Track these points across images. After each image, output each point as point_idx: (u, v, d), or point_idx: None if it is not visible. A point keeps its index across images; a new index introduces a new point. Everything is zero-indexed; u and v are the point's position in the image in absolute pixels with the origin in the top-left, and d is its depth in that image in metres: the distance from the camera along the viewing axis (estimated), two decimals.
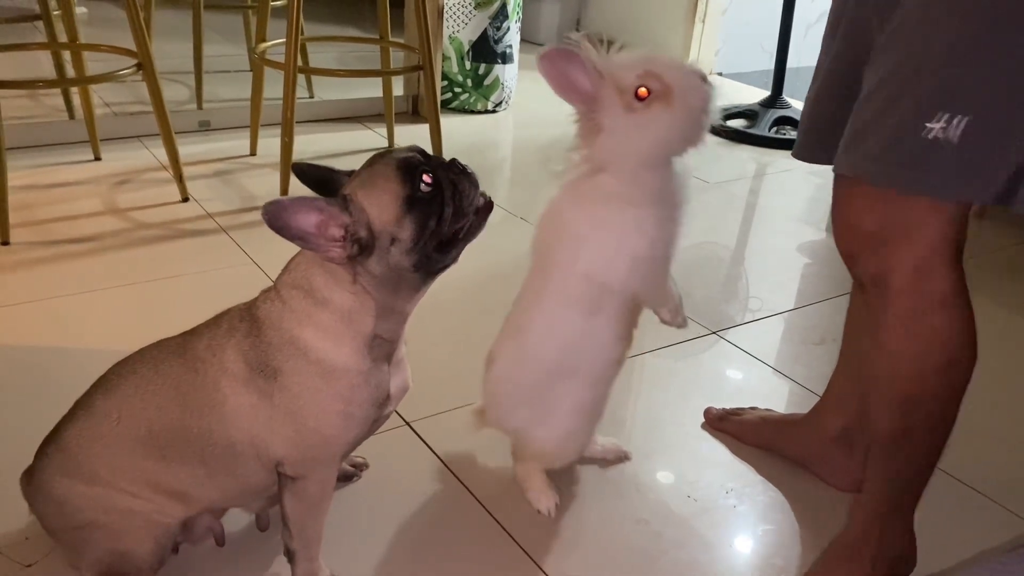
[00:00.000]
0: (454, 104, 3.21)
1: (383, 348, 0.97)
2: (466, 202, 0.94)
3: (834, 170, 1.01)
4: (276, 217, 0.86)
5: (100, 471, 0.95)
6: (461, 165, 0.95)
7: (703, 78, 1.08)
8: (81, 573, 0.99)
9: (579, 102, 1.06)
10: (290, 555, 1.02)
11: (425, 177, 0.90)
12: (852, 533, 1.11)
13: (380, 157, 0.94)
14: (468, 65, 3.14)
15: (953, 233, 0.94)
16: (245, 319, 0.95)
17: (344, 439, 0.97)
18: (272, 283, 0.97)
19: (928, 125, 0.86)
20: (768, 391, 1.59)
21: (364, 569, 1.11)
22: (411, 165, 0.90)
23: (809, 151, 1.13)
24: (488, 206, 0.97)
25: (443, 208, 0.92)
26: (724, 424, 1.44)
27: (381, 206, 0.89)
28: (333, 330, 0.92)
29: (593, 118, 1.06)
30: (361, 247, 0.89)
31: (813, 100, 1.11)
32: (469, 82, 3.17)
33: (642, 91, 1.03)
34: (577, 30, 4.43)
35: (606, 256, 1.09)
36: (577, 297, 1.12)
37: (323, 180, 0.96)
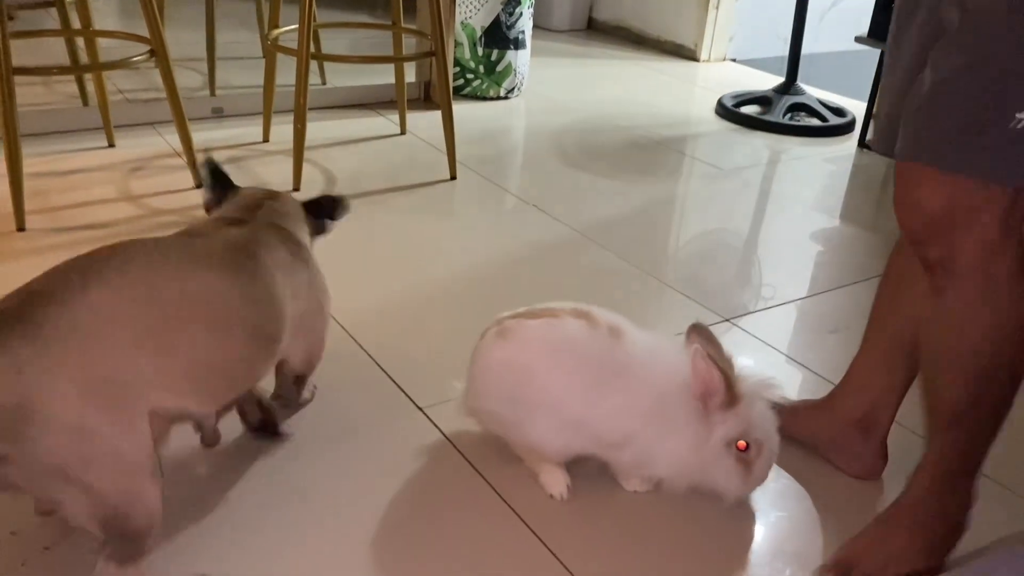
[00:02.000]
0: (466, 91, 3.20)
1: None
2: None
3: (901, 155, 1.02)
4: None
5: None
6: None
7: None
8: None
9: (700, 387, 1.14)
10: (287, 402, 1.33)
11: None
12: (912, 497, 1.13)
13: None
14: (480, 51, 3.13)
15: (1017, 213, 0.98)
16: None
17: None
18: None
19: (1019, 116, 0.90)
20: (781, 379, 1.58)
21: (377, 551, 1.11)
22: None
23: (893, 143, 1.09)
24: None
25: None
26: None
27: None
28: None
29: (704, 408, 1.15)
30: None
31: (896, 91, 1.09)
32: (481, 68, 3.16)
33: (741, 444, 1.14)
34: (591, 16, 4.41)
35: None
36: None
37: (223, 175, 1.29)
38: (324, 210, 1.34)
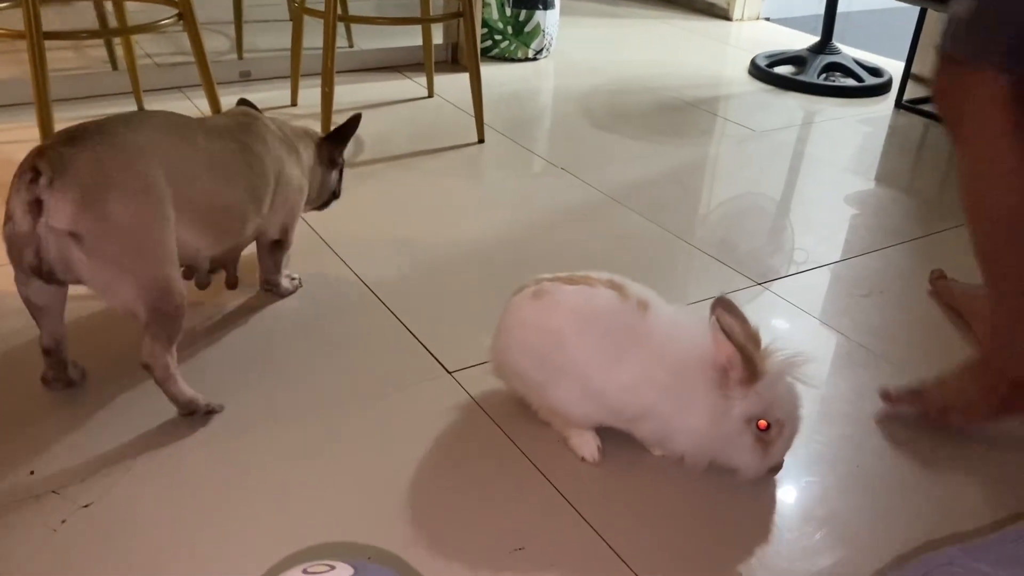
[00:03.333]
0: (494, 52, 3.16)
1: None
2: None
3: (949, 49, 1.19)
4: None
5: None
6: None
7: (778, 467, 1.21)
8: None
9: (720, 360, 1.12)
10: (273, 284, 1.57)
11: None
12: (981, 351, 1.31)
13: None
14: (508, 12, 3.09)
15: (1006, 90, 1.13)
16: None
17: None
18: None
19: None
20: (814, 343, 1.56)
21: (406, 508, 1.13)
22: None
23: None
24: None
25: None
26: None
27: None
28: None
29: (723, 381, 1.13)
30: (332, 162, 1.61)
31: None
32: (509, 29, 3.12)
33: (762, 423, 1.12)
34: None
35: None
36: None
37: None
38: (344, 134, 1.58)
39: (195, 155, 1.25)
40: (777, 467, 1.20)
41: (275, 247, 1.53)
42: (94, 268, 1.12)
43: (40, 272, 1.13)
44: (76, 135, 1.13)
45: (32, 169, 1.07)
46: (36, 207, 1.07)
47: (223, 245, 1.34)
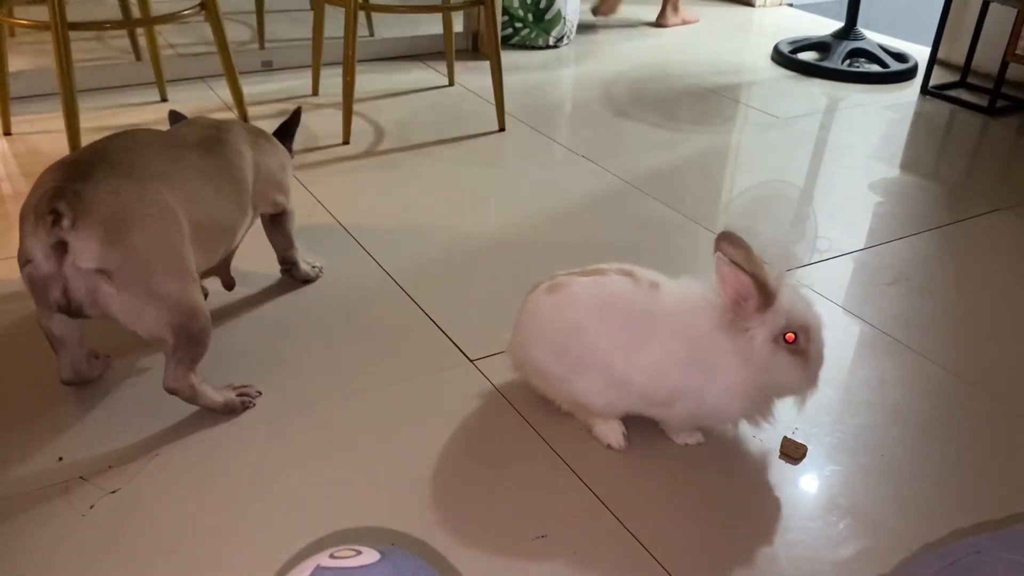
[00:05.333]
0: (515, 40, 3.16)
1: None
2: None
3: None
4: None
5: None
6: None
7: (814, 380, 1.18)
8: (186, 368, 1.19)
9: (731, 295, 1.12)
10: (290, 262, 1.59)
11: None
12: None
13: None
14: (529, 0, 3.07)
15: None
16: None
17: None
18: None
19: None
20: (837, 331, 1.55)
21: (428, 494, 1.13)
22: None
23: None
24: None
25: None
26: None
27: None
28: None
29: (738, 315, 1.12)
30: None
31: None
32: (530, 17, 3.11)
33: (790, 336, 1.12)
34: None
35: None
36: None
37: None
38: (289, 130, 1.60)
39: (192, 173, 1.26)
40: (802, 452, 1.21)
41: (278, 219, 1.54)
42: (124, 300, 1.12)
43: (67, 310, 1.12)
44: (83, 168, 1.12)
45: (52, 211, 1.05)
46: (60, 248, 1.07)
47: (218, 257, 1.34)
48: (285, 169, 1.53)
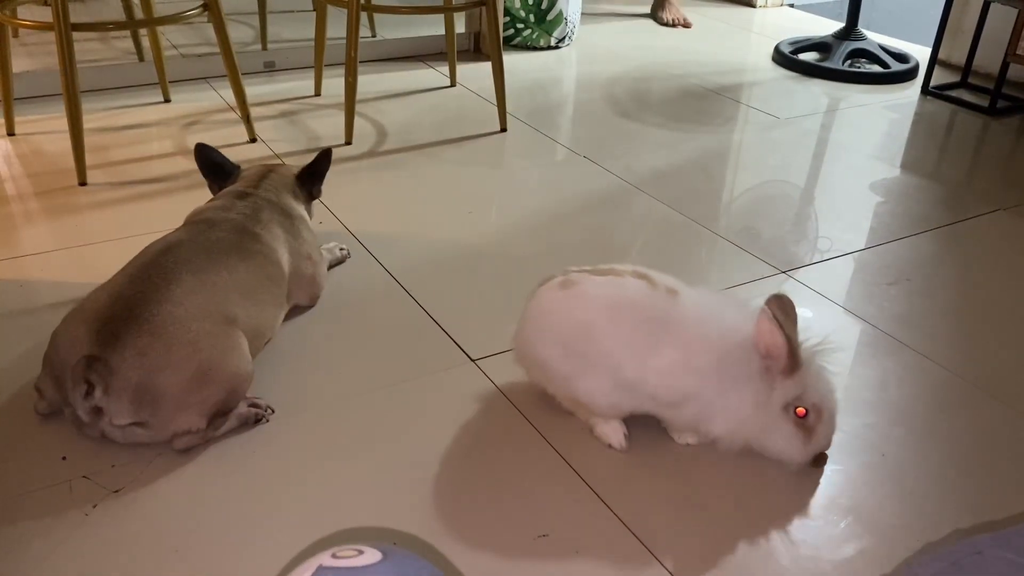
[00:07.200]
0: (516, 40, 3.16)
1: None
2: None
3: None
4: None
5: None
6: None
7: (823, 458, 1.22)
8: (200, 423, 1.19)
9: (763, 349, 1.14)
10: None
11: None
12: None
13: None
14: (531, 0, 3.08)
15: None
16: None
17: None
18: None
19: None
20: (838, 331, 1.55)
21: (436, 498, 1.14)
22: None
23: None
24: None
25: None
26: None
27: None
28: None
29: (767, 372, 1.14)
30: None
31: None
32: (532, 17, 3.11)
33: (800, 411, 1.14)
34: None
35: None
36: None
37: (217, 164, 1.57)
38: (316, 170, 1.60)
39: (233, 297, 1.27)
40: (822, 459, 1.21)
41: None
42: (158, 433, 1.18)
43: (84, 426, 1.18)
44: (115, 328, 1.14)
45: (85, 382, 1.11)
46: (97, 411, 1.14)
47: (258, 352, 1.36)
48: (315, 262, 1.53)
